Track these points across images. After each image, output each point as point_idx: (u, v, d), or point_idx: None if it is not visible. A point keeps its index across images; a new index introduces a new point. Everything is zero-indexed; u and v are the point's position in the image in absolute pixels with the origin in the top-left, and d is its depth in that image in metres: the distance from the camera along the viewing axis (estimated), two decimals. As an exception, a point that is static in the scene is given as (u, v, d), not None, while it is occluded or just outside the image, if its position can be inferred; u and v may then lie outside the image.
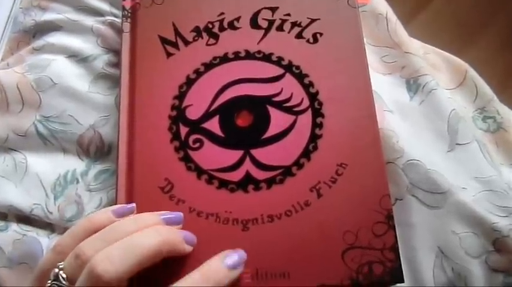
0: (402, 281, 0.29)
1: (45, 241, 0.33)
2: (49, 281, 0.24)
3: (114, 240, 0.24)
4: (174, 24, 0.34)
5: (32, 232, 0.34)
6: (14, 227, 0.34)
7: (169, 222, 0.28)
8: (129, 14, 0.35)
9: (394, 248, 0.29)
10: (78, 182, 0.35)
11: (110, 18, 0.39)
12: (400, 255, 0.29)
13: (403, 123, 0.35)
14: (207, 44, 0.34)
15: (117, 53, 0.38)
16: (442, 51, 0.40)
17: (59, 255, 0.25)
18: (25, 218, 0.34)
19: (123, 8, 0.35)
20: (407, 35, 0.39)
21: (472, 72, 0.38)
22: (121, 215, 0.27)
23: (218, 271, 0.26)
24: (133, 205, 0.28)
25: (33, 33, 0.40)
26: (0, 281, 0.32)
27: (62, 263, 0.25)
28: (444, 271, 0.31)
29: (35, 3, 0.41)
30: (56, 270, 0.24)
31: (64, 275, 0.24)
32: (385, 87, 0.37)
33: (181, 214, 0.29)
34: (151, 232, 0.25)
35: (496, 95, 0.38)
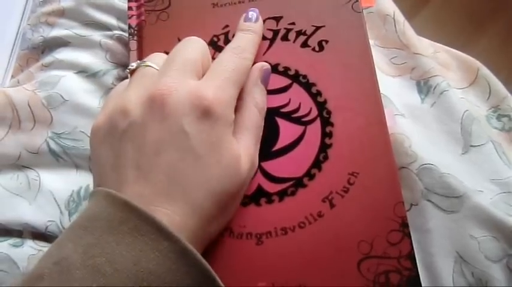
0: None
1: (61, 257, 0.33)
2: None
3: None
4: (179, 40, 0.34)
5: (47, 248, 0.34)
6: (30, 243, 0.34)
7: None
8: (135, 32, 0.35)
9: (411, 256, 0.28)
10: None
11: (117, 32, 0.39)
12: (418, 262, 0.28)
13: (415, 127, 0.35)
14: (213, 58, 0.34)
15: (126, 67, 0.38)
16: (452, 49, 0.40)
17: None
18: (40, 235, 0.34)
19: (129, 26, 0.35)
20: (415, 35, 0.39)
21: (485, 70, 0.38)
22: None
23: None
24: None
25: (42, 50, 0.41)
26: None
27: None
28: (464, 276, 0.31)
29: (42, 20, 0.41)
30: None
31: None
32: (395, 90, 0.36)
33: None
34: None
35: (506, 86, 0.37)
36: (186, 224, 0.24)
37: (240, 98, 0.29)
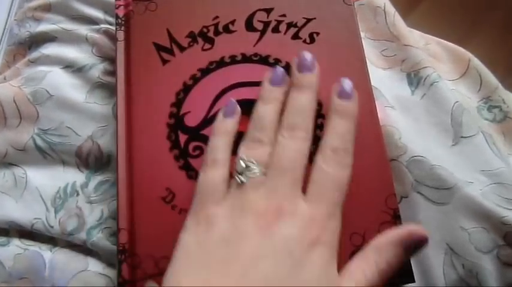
0: (413, 281, 0.28)
1: (47, 254, 0.33)
2: (239, 177, 0.26)
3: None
4: (168, 31, 0.34)
5: (34, 246, 0.33)
6: (16, 242, 0.33)
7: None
8: (123, 22, 0.35)
9: None
10: (78, 194, 0.34)
11: (104, 26, 0.39)
12: (409, 254, 0.28)
13: (406, 119, 0.35)
14: (203, 49, 0.33)
15: (112, 61, 0.37)
16: (443, 40, 0.40)
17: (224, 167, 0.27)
18: (27, 233, 0.34)
19: (117, 16, 0.35)
20: (406, 27, 0.38)
21: (476, 61, 0.38)
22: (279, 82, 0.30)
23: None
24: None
25: (28, 45, 0.40)
26: None
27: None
28: (455, 268, 0.31)
29: (29, 15, 0.40)
30: (241, 161, 0.26)
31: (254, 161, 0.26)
32: (386, 83, 0.36)
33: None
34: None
35: (503, 81, 0.37)
36: None
37: None
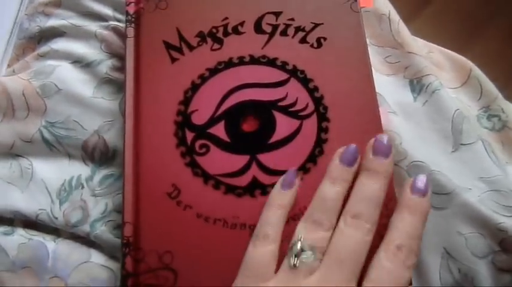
0: (410, 283, 0.29)
1: (51, 245, 0.33)
2: (293, 259, 0.25)
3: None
4: (178, 29, 0.34)
5: (38, 237, 0.34)
6: (20, 231, 0.34)
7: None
8: (133, 19, 0.35)
9: None
10: (83, 187, 0.35)
11: (113, 23, 0.39)
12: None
13: (407, 125, 0.35)
14: (212, 49, 0.34)
15: (120, 57, 0.38)
16: (446, 49, 0.40)
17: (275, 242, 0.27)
18: (31, 224, 0.34)
19: (127, 13, 0.35)
20: (410, 35, 0.39)
21: (477, 71, 0.38)
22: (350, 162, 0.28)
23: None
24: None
25: (38, 40, 0.40)
26: (3, 285, 0.32)
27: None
28: (451, 272, 0.32)
29: (39, 10, 0.41)
30: (299, 243, 0.26)
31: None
32: (389, 89, 0.37)
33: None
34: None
35: (503, 90, 0.38)
36: None
37: None
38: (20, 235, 0.33)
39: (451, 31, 0.48)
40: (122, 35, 0.38)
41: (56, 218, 0.34)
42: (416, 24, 0.42)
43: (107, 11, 0.40)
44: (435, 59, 0.39)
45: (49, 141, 0.36)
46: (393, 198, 0.30)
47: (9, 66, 0.40)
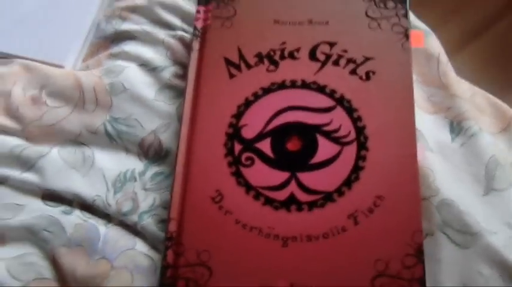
0: None
1: (102, 229, 0.36)
2: None
3: None
4: (239, 48, 0.37)
5: (92, 220, 0.37)
6: (77, 213, 0.37)
7: None
8: (199, 34, 0.38)
9: (422, 281, 0.30)
10: (136, 180, 0.38)
11: (180, 33, 0.43)
12: (426, 287, 0.30)
13: (442, 164, 0.37)
14: (267, 70, 0.37)
15: (183, 65, 0.41)
16: (489, 95, 0.41)
17: None
18: (88, 207, 0.37)
19: (195, 27, 0.39)
20: (456, 77, 0.41)
21: None
22: None
23: None
24: None
25: (111, 40, 0.45)
26: (58, 258, 0.35)
27: None
28: None
29: (117, 13, 0.45)
30: None
31: None
32: (429, 126, 0.38)
33: None
34: None
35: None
36: None
37: None
38: (77, 216, 0.37)
39: (493, 70, 0.49)
40: (186, 45, 0.42)
41: (110, 205, 0.37)
42: (459, 60, 0.43)
43: (175, 21, 0.44)
44: (477, 102, 0.40)
45: (111, 135, 0.39)
46: (419, 230, 0.31)
47: (83, 61, 0.45)
